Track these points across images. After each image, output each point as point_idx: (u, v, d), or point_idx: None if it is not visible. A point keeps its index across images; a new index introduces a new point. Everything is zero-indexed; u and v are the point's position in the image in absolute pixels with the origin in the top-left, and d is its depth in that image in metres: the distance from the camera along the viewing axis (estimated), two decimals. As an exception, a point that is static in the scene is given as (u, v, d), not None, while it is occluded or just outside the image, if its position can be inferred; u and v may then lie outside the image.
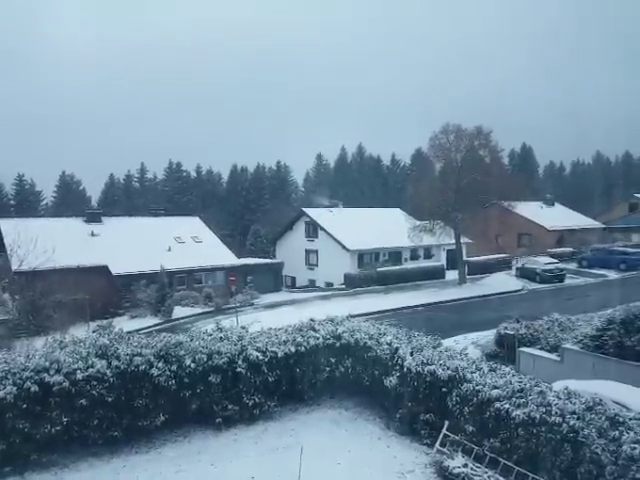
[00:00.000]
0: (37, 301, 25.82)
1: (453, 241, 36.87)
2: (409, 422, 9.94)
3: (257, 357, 10.37)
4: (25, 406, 8.58)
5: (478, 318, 23.77)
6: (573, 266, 40.88)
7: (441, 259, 44.68)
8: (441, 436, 8.79)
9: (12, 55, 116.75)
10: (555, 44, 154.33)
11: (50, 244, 26.38)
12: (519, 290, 33.47)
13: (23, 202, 73.57)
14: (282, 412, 10.92)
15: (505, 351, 16.02)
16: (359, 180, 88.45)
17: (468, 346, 17.08)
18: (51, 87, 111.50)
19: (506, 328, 16.55)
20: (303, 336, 11.29)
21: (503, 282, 35.60)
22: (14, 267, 26.12)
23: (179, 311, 29.56)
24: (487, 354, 16.21)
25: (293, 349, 10.86)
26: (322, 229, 43.27)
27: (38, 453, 8.76)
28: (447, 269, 41.17)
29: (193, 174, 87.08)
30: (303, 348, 10.99)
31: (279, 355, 10.63)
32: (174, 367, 9.82)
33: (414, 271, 39.12)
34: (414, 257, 44.30)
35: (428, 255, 45.19)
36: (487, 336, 18.62)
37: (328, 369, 11.30)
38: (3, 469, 8.40)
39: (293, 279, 45.72)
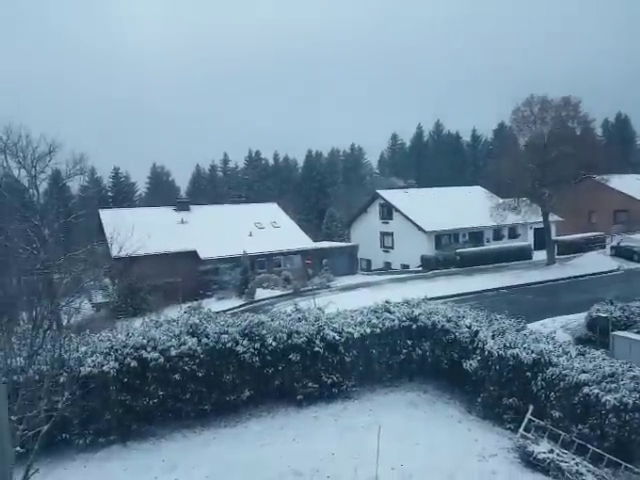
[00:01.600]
0: (134, 285, 28.15)
1: (540, 219, 34.68)
2: (491, 406, 9.75)
3: (334, 337, 10.64)
4: (126, 380, 9.43)
5: (568, 300, 22.33)
6: (678, 244, 36.72)
7: (528, 239, 42.24)
8: (525, 421, 8.51)
9: (108, 53, 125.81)
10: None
11: (145, 232, 28.64)
12: (614, 270, 30.79)
13: (119, 193, 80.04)
14: (360, 392, 11.13)
15: (597, 335, 14.97)
16: (437, 158, 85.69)
17: (557, 330, 16.14)
18: (137, 83, 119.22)
19: (599, 311, 15.42)
20: (378, 318, 11.38)
21: (596, 262, 32.91)
22: (114, 254, 28.67)
23: (260, 293, 30.84)
24: (577, 338, 15.25)
25: (368, 330, 11.00)
26: (397, 211, 42.63)
27: (138, 423, 9.61)
28: (534, 249, 38.85)
29: (271, 161, 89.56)
30: (378, 330, 11.09)
31: (355, 336, 10.82)
32: (257, 345, 10.36)
33: (497, 252, 37.37)
34: (497, 237, 42.32)
35: (513, 235, 42.95)
36: (578, 319, 17.47)
37: (405, 351, 11.33)
38: (109, 437, 9.32)
39: (368, 262, 45.68)
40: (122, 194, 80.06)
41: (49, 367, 7.19)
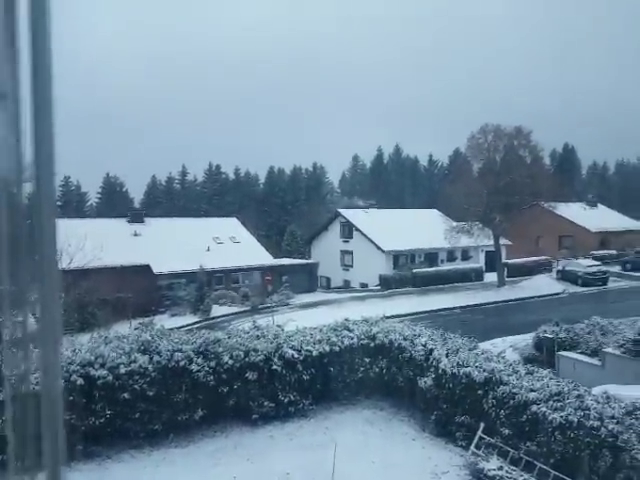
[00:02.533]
0: (82, 298, 26.91)
1: (492, 242, 36.12)
2: (444, 424, 9.91)
3: (292, 355, 10.57)
4: (71, 398, 8.87)
5: (517, 321, 23.20)
6: (617, 269, 39.22)
7: (479, 261, 43.76)
8: (476, 438, 8.71)
9: (61, 55, 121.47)
10: (593, 42, 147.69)
11: (95, 243, 27.56)
12: (560, 293, 32.44)
13: (69, 203, 76.75)
14: (317, 410, 11.07)
15: (544, 355, 15.60)
16: (395, 181, 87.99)
17: (506, 349, 16.72)
18: (93, 89, 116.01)
19: (545, 332, 16.11)
20: (337, 336, 11.43)
21: (543, 285, 34.54)
22: (62, 266, 27.39)
23: (217, 310, 30.19)
24: (525, 358, 15.81)
25: (328, 348, 11.01)
26: (357, 230, 43.26)
27: (83, 444, 9.06)
28: (486, 271, 40.26)
29: (232, 176, 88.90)
30: (337, 347, 11.13)
31: (314, 354, 10.80)
32: (213, 363, 10.14)
33: (451, 273, 38.48)
34: (451, 259, 43.60)
35: (466, 257, 44.37)
36: (526, 339, 18.17)
37: (362, 369, 11.39)
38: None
39: (328, 280, 45.88)
40: (72, 203, 76.92)
41: (-13, 385, 6.78)
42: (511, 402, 8.60)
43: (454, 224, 36.66)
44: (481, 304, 29.42)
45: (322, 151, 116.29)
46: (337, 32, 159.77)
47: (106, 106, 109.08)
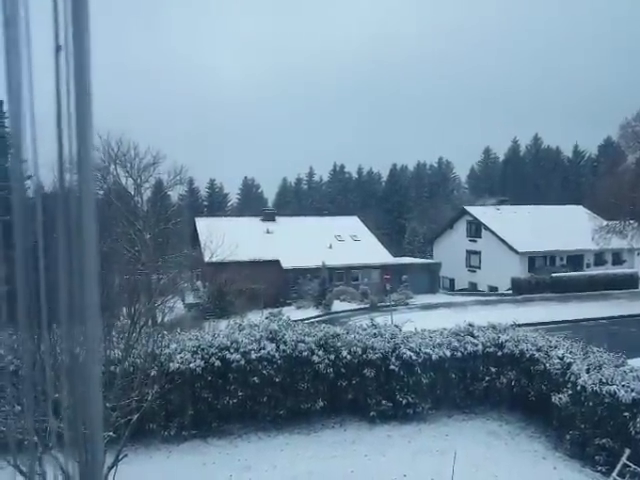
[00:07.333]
0: (222, 288, 29.66)
1: (651, 245, 31.51)
2: (581, 445, 8.99)
3: (410, 357, 10.41)
4: (210, 378, 9.86)
5: (681, 337, 19.89)
6: None
7: (634, 266, 38.41)
8: (620, 465, 7.68)
9: (199, 67, 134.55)
10: None
11: (234, 240, 30.23)
12: None
13: (214, 203, 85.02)
14: (436, 416, 10.77)
15: None
16: (533, 175, 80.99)
17: (665, 369, 14.42)
18: (234, 101, 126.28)
19: None
20: (460, 341, 10.98)
21: None
22: (206, 259, 30.50)
23: (337, 305, 30.99)
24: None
25: (448, 353, 10.65)
26: (487, 229, 40.83)
27: (218, 421, 9.99)
28: (642, 278, 35.26)
29: (354, 175, 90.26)
30: (459, 353, 10.71)
31: (433, 357, 10.52)
32: (332, 356, 10.44)
33: (599, 278, 34.40)
34: (599, 262, 38.96)
35: (618, 261, 39.32)
36: (693, 360, 15.48)
37: (488, 378, 10.83)
38: (191, 431, 9.78)
39: (452, 281, 44.07)
40: (216, 204, 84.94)
41: (142, 361, 7.73)
42: (667, 431, 7.43)
43: (604, 223, 32.64)
44: (634, 315, 25.76)
45: (449, 145, 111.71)
46: (466, 25, 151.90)
47: (243, 116, 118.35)
